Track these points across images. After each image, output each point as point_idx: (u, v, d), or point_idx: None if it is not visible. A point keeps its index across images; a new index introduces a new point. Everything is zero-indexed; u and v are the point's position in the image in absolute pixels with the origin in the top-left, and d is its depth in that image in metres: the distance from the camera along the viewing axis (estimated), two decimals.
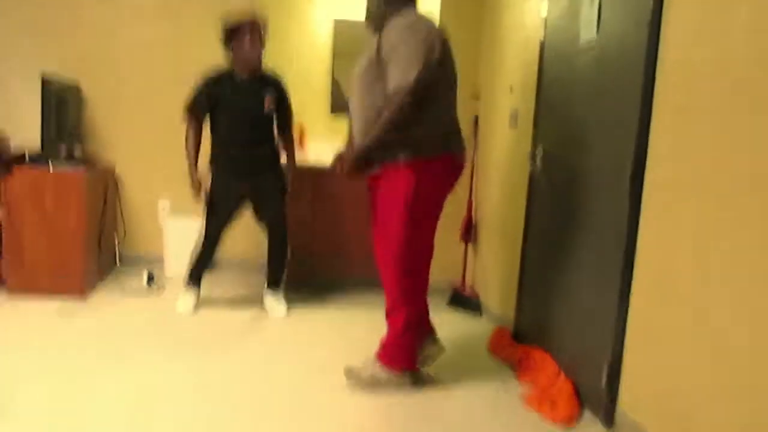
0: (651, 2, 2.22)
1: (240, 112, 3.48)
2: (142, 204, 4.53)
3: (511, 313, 3.44)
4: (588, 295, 2.66)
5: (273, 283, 3.76)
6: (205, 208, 3.58)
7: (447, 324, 3.73)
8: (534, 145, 3.21)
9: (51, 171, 3.56)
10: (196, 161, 3.56)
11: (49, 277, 3.60)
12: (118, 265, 4.31)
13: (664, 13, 2.18)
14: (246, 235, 4.56)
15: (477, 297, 3.99)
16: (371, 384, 2.69)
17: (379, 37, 2.58)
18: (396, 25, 2.55)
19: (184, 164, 4.45)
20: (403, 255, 2.63)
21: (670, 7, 2.15)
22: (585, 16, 2.72)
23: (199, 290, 3.71)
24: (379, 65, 2.55)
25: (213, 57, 4.48)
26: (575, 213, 2.80)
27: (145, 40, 4.42)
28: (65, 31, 4.31)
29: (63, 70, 4.04)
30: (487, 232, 3.97)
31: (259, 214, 3.68)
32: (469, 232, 4.13)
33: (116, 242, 4.35)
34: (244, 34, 3.39)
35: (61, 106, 3.83)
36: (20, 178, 3.51)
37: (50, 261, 3.60)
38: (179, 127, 4.46)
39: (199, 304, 3.69)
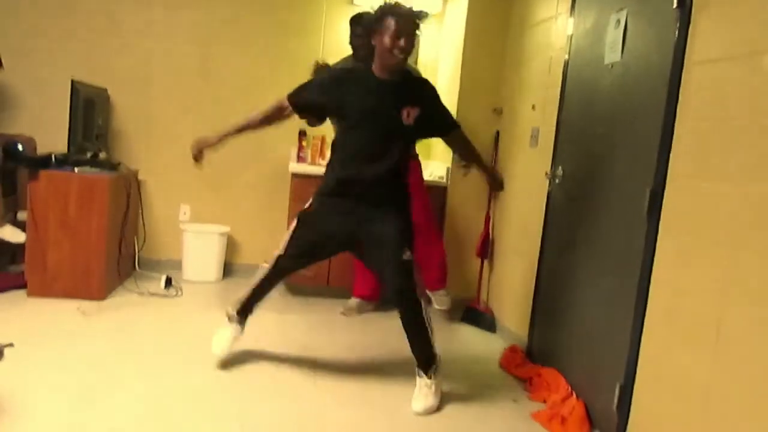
0: (677, 25, 2.22)
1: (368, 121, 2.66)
2: (162, 209, 4.59)
3: (524, 331, 3.43)
4: (602, 317, 2.65)
5: (419, 365, 2.76)
6: (294, 229, 2.82)
7: (460, 339, 3.74)
8: (553, 165, 3.21)
9: (76, 173, 3.62)
10: (237, 130, 2.85)
11: (69, 280, 3.65)
12: (137, 269, 4.36)
13: (689, 36, 2.18)
14: (263, 238, 4.61)
15: (491, 313, 3.97)
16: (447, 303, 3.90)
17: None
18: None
19: (206, 170, 4.55)
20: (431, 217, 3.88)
21: (696, 29, 2.16)
22: (610, 37, 2.73)
23: (242, 328, 2.98)
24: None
25: (243, 69, 4.58)
26: (592, 235, 2.80)
27: (175, 49, 4.49)
28: (96, 39, 4.39)
29: (92, 77, 4.11)
30: (503, 250, 3.97)
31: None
32: (486, 248, 4.12)
33: (136, 247, 4.41)
34: (391, 15, 2.55)
35: (89, 110, 3.90)
36: (45, 182, 3.58)
37: (71, 264, 3.65)
38: (203, 133, 4.55)
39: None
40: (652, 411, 2.25)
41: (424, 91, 2.77)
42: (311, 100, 2.73)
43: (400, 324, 2.69)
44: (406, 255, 2.63)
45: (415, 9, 2.64)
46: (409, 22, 2.55)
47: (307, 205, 2.82)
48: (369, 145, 2.65)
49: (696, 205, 2.09)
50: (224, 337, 2.92)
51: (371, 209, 2.66)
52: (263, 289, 2.94)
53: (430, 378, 2.71)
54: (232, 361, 2.99)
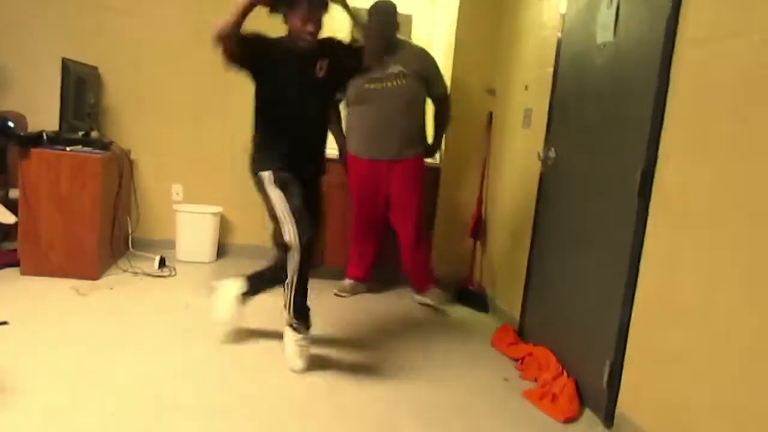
0: (669, 4, 2.22)
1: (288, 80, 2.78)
2: (155, 189, 4.58)
3: (516, 311, 3.46)
4: (593, 296, 2.68)
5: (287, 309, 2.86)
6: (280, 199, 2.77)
7: (453, 319, 3.77)
8: (546, 146, 3.22)
9: (67, 152, 3.61)
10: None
11: (62, 259, 3.65)
12: (130, 249, 4.37)
13: (681, 16, 2.18)
14: (256, 219, 4.60)
15: (484, 293, 4.01)
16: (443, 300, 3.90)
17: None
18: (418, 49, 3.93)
19: (199, 150, 4.55)
20: (423, 214, 3.91)
21: (688, 9, 2.16)
22: (603, 17, 2.72)
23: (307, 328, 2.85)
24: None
25: None
26: (583, 215, 2.82)
27: (166, 28, 4.45)
28: (86, 17, 4.34)
29: (83, 55, 4.08)
30: (496, 230, 3.99)
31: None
32: (479, 229, 4.15)
33: (129, 226, 4.41)
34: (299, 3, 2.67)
35: (80, 89, 3.88)
36: (37, 160, 3.56)
37: (65, 242, 3.65)
38: (196, 114, 4.55)
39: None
40: (642, 388, 2.29)
41: (331, 43, 2.90)
42: (255, 41, 2.71)
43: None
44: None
45: None
46: (318, 8, 2.70)
47: (266, 174, 2.81)
48: (291, 113, 2.80)
49: (686, 186, 2.10)
50: (288, 345, 2.84)
51: (308, 172, 2.89)
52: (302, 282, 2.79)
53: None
54: (226, 340, 3.01)
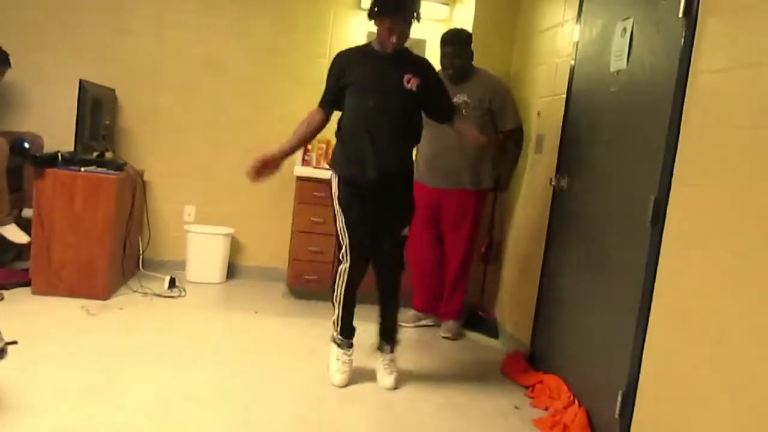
0: (683, 33, 2.23)
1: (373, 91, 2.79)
2: (167, 210, 4.61)
3: (527, 337, 3.43)
4: (605, 324, 2.65)
5: (387, 338, 3.02)
6: (342, 222, 2.85)
7: (462, 344, 3.74)
8: (558, 172, 3.21)
9: (82, 173, 3.64)
10: (294, 147, 2.90)
11: (73, 279, 3.66)
12: (140, 269, 4.38)
13: (695, 45, 2.19)
14: (267, 240, 4.63)
15: (494, 319, 3.98)
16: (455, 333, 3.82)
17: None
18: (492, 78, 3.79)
19: (212, 171, 4.58)
20: (470, 253, 3.86)
21: (702, 38, 2.16)
22: (616, 45, 2.74)
23: (352, 349, 2.97)
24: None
25: (250, 70, 4.60)
26: (596, 242, 2.80)
27: (183, 52, 4.51)
28: (105, 39, 4.41)
29: (100, 77, 4.13)
30: (506, 255, 3.97)
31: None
32: (490, 254, 4.13)
33: (140, 247, 4.42)
34: (386, 15, 2.71)
35: (96, 110, 3.92)
36: (52, 180, 3.59)
37: (76, 262, 3.66)
38: (210, 136, 4.59)
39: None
40: (654, 419, 2.25)
41: (425, 67, 2.91)
42: (332, 92, 2.88)
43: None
44: (405, 232, 2.92)
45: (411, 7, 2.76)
46: (401, 22, 2.72)
47: (334, 190, 2.88)
48: (371, 109, 2.76)
49: (700, 214, 2.09)
50: (338, 365, 2.92)
51: (380, 193, 2.79)
52: (350, 304, 2.94)
53: (394, 352, 3.00)
54: (235, 363, 3.00)
